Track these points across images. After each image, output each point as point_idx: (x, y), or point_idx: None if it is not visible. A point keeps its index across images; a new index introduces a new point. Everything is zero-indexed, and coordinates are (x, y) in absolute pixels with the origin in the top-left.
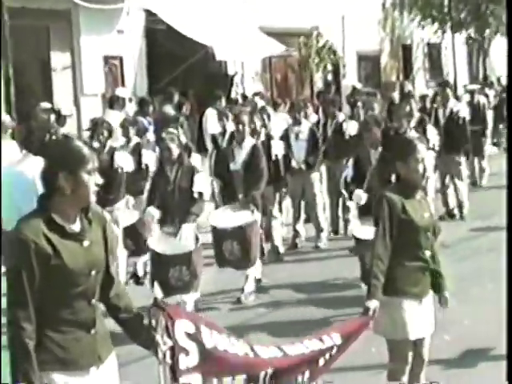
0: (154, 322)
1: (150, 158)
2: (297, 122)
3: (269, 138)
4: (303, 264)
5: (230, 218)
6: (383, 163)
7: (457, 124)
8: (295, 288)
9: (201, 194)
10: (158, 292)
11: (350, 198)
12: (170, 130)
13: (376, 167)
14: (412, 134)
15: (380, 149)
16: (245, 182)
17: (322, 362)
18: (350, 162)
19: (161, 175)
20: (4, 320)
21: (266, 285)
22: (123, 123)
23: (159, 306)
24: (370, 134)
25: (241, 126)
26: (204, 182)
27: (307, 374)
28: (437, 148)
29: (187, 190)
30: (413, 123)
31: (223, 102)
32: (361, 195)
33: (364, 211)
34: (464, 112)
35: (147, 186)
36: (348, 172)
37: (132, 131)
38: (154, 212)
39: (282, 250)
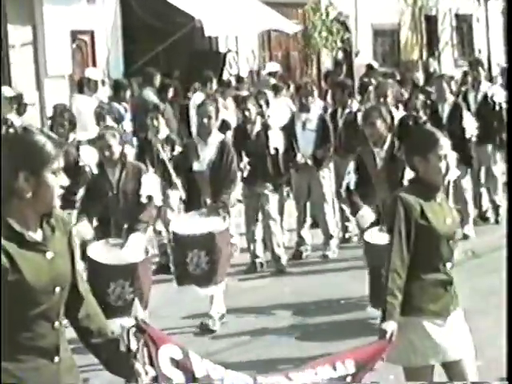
0: (133, 347)
1: None
2: (304, 109)
3: (266, 127)
4: (308, 277)
5: (196, 223)
6: (392, 165)
7: (492, 110)
8: (293, 308)
9: (150, 197)
10: (139, 310)
11: (353, 212)
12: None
13: (383, 170)
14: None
15: (386, 146)
16: (212, 185)
17: None
18: (351, 165)
19: (101, 178)
20: None
21: (256, 304)
22: (99, 111)
23: (140, 328)
24: (373, 129)
25: (205, 120)
26: (154, 184)
27: None
28: (474, 138)
29: (134, 194)
30: (446, 109)
31: (214, 84)
32: (366, 216)
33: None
34: (500, 96)
35: (80, 192)
36: (350, 178)
37: (109, 120)
38: (86, 230)
39: (284, 259)
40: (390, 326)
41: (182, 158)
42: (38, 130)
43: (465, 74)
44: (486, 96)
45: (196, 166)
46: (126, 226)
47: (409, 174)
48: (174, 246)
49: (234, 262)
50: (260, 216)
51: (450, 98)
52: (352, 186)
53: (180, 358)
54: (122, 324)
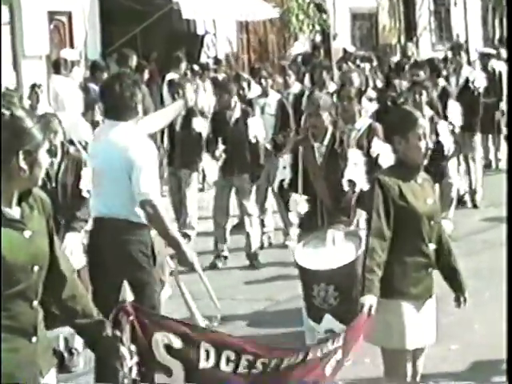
0: (118, 331)
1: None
2: (263, 93)
3: (246, 115)
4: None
5: None
6: (332, 161)
7: (472, 95)
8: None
9: (90, 192)
10: (128, 293)
11: (287, 208)
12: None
13: (322, 167)
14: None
15: (326, 141)
16: None
17: (328, 370)
18: (287, 159)
19: None
20: None
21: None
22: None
23: (126, 311)
24: (318, 120)
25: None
26: None
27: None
28: (457, 129)
29: (73, 188)
30: (434, 95)
31: (183, 66)
32: (299, 201)
33: (306, 225)
34: (480, 81)
35: None
36: (285, 174)
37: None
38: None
39: (259, 256)
40: (369, 300)
41: None
42: (25, 113)
43: (445, 58)
44: (467, 81)
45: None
46: (63, 223)
47: (349, 173)
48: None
49: None
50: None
51: (440, 83)
52: (286, 185)
53: (179, 346)
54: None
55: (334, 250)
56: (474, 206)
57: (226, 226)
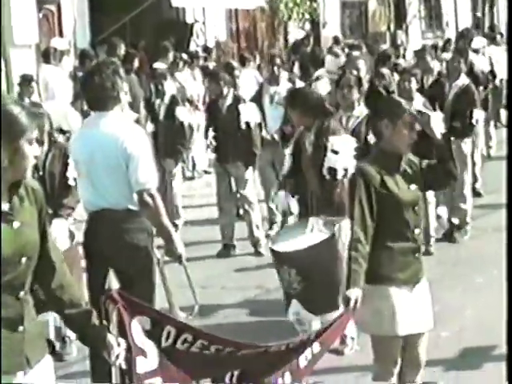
0: (105, 320)
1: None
2: (274, 82)
3: (237, 101)
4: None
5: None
6: (318, 150)
7: (477, 81)
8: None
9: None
10: (114, 281)
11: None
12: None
13: (310, 156)
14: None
15: (314, 130)
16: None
17: (303, 362)
18: (288, 150)
19: None
20: None
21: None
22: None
23: (113, 299)
24: (291, 114)
25: None
26: None
27: (288, 376)
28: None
29: (61, 176)
30: (430, 80)
31: (171, 55)
32: (282, 199)
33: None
34: (486, 67)
35: None
36: (286, 162)
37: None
38: None
39: (263, 242)
40: (354, 293)
41: None
42: (13, 100)
43: (435, 45)
44: (471, 67)
45: None
46: (50, 211)
47: (328, 162)
48: None
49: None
50: (235, 195)
51: (436, 69)
52: (284, 172)
53: (148, 328)
54: None
55: (308, 237)
56: (477, 194)
57: (231, 213)
